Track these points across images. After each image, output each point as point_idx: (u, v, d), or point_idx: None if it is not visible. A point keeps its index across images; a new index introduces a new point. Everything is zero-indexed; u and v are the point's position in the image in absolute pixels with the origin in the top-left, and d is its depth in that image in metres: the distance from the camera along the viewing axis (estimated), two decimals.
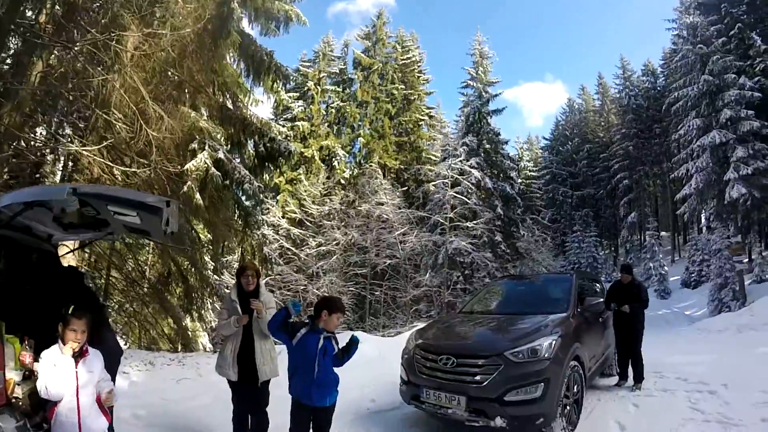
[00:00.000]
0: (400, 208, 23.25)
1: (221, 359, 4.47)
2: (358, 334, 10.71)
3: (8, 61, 8.78)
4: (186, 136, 9.45)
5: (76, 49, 7.83)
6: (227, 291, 5.98)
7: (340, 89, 30.50)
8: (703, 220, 32.86)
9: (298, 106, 28.27)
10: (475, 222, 22.34)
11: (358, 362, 7.48)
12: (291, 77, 12.33)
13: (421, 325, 18.79)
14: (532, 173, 48.93)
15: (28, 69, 8.38)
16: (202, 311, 11.96)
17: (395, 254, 22.07)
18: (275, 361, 4.53)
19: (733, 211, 22.68)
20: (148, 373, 7.15)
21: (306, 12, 12.68)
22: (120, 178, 8.96)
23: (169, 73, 9.38)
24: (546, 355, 4.80)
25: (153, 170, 8.65)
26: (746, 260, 24.44)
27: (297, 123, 27.40)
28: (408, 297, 21.70)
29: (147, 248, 13.27)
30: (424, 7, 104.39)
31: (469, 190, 23.09)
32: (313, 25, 47.39)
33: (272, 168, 12.72)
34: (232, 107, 11.44)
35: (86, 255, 11.10)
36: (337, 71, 31.43)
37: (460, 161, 23.67)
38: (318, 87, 29.23)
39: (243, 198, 11.78)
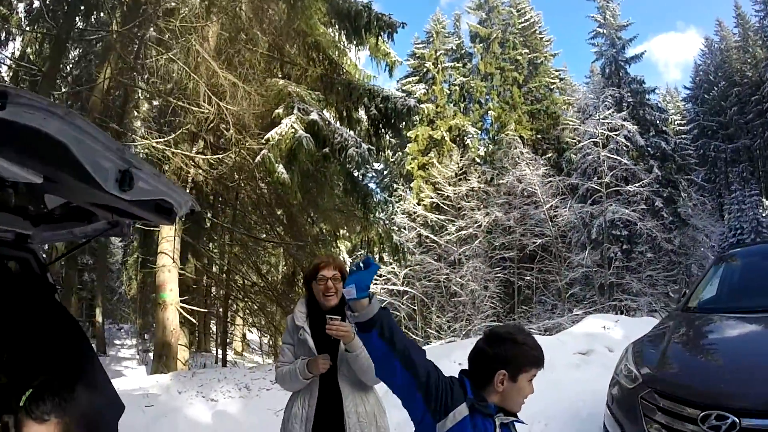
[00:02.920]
0: (547, 178, 21.04)
1: (285, 428, 2.53)
2: None
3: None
4: (273, 107, 8.24)
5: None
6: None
7: (460, 65, 29.16)
8: None
9: (420, 89, 27.29)
10: (637, 185, 19.93)
11: None
12: (397, 26, 10.01)
13: (581, 313, 17.03)
14: (681, 127, 43.87)
15: (98, 70, 8.20)
16: None
17: (545, 232, 20.36)
18: None
19: None
20: (242, 402, 6.14)
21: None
22: (203, 171, 8.54)
23: (243, 36, 8.47)
24: None
25: (237, 153, 8.02)
26: None
27: (421, 106, 26.61)
28: (563, 281, 19.89)
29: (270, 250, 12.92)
30: None
31: (625, 148, 20.73)
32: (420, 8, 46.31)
33: (390, 133, 11.05)
34: (332, 74, 10.19)
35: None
36: (454, 47, 30.09)
37: (610, 114, 21.23)
38: (437, 66, 28.07)
39: (355, 172, 10.17)
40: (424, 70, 28.04)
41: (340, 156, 8.77)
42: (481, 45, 29.06)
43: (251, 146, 7.97)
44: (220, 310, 12.83)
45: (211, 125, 8.40)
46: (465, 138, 25.98)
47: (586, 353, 7.35)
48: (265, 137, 7.84)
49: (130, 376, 10.65)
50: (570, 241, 21.26)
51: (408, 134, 25.70)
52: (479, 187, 22.33)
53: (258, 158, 7.79)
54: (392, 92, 10.60)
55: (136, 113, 12.41)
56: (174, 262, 8.82)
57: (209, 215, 10.74)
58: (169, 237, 8.87)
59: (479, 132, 27.22)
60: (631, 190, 19.87)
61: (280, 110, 8.09)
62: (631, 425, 3.19)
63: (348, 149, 8.59)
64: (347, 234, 11.68)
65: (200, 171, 8.60)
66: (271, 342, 12.54)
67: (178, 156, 7.96)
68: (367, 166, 9.74)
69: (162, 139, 7.93)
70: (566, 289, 20.03)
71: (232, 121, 7.84)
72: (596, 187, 20.26)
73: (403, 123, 10.57)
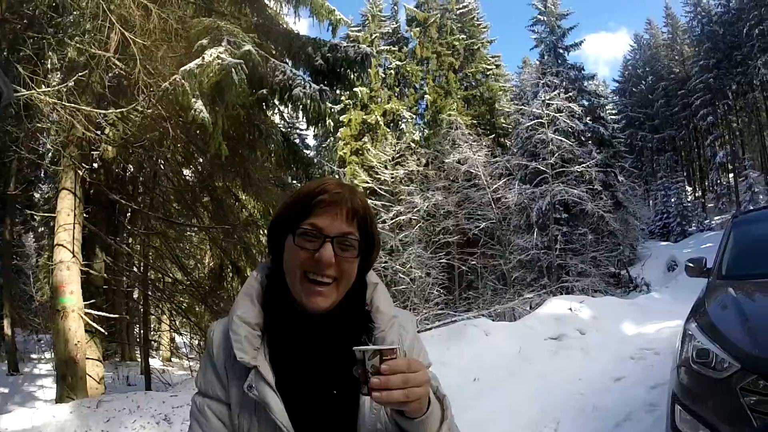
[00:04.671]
0: (494, 156, 20.32)
1: None
2: (476, 322, 7.98)
3: None
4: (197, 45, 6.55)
5: None
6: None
7: (396, 49, 28.28)
8: None
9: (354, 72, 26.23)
10: (583, 166, 19.61)
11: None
12: None
13: (532, 296, 16.53)
14: (612, 116, 45.47)
15: None
16: None
17: (487, 215, 19.63)
18: None
19: None
20: None
21: None
22: (111, 138, 6.86)
23: None
24: None
25: (148, 102, 6.20)
26: None
27: (355, 90, 25.48)
28: (509, 265, 19.17)
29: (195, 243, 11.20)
30: None
31: (570, 130, 20.38)
32: None
33: (340, 88, 9.42)
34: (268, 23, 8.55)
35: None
36: (390, 31, 29.21)
37: (556, 95, 20.86)
38: (372, 49, 27.08)
39: (296, 138, 8.86)
40: None
41: (283, 97, 7.22)
42: (418, 29, 28.41)
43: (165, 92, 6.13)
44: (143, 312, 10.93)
45: (116, 69, 6.52)
46: (400, 122, 25.15)
47: (557, 338, 7.11)
48: (182, 69, 6.11)
49: (42, 400, 8.56)
50: (512, 223, 20.64)
51: (341, 118, 24.47)
52: (418, 171, 21.29)
53: (166, 84, 5.95)
54: (341, 42, 9.15)
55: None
56: (74, 256, 6.80)
57: (119, 197, 8.64)
58: (67, 225, 6.74)
59: (414, 116, 26.45)
60: (576, 170, 19.53)
61: (204, 41, 6.41)
62: (732, 426, 2.45)
63: (293, 89, 7.05)
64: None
65: (108, 147, 6.82)
66: (201, 345, 10.89)
67: (80, 121, 6.00)
68: (318, 115, 7.70)
69: (49, 89, 5.97)
70: (510, 273, 19.29)
71: (140, 57, 6.03)
72: (542, 168, 19.73)
73: (355, 74, 9.06)
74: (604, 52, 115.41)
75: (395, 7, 30.31)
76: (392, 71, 27.55)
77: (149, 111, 6.44)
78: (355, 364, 0.86)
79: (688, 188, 43.50)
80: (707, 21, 39.94)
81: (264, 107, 7.86)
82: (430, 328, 10.62)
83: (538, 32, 26.55)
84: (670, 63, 45.68)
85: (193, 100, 5.94)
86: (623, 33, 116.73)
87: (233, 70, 6.00)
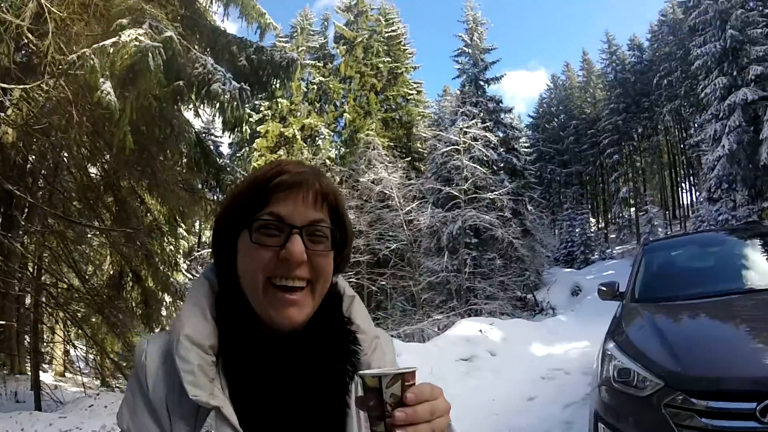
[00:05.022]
0: (409, 179, 20.26)
1: None
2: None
3: None
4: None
5: None
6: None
7: (321, 64, 28.06)
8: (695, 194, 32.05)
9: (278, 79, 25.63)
10: (496, 193, 19.96)
11: None
12: None
13: (441, 317, 16.60)
14: (524, 149, 47.76)
15: None
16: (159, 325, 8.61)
17: (399, 236, 19.48)
18: None
19: (764, 172, 20.97)
20: None
21: None
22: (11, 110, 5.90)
23: None
24: None
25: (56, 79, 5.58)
26: None
27: (276, 100, 24.92)
28: (418, 286, 19.02)
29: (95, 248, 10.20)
30: None
31: (485, 158, 20.81)
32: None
33: (261, 93, 9.07)
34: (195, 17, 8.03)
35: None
36: (317, 46, 29.08)
37: (474, 123, 21.23)
38: (299, 58, 26.69)
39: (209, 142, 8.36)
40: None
41: (200, 93, 6.61)
42: (345, 47, 28.43)
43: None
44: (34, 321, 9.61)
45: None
46: (317, 138, 24.80)
47: (469, 359, 7.10)
48: (94, 45, 5.43)
49: None
50: (423, 246, 20.68)
51: (258, 128, 23.82)
52: None
53: (74, 57, 5.24)
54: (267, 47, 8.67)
55: None
56: None
57: (16, 189, 7.50)
58: None
59: (332, 134, 26.17)
60: (488, 197, 19.89)
61: (124, 21, 5.75)
62: None
63: (212, 84, 6.48)
64: (191, 222, 9.35)
65: (9, 130, 5.88)
66: (97, 360, 9.71)
67: None
68: (236, 119, 7.03)
69: None
70: (420, 294, 19.23)
71: (54, 30, 5.28)
72: (455, 193, 19.92)
73: (279, 81, 8.53)
74: (522, 90, 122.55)
75: (325, 23, 30.35)
76: (315, 86, 27.34)
77: (55, 92, 5.76)
78: (339, 394, 0.77)
79: (592, 220, 46.26)
80: (621, 69, 43.24)
81: (179, 102, 7.25)
82: None
83: (461, 63, 27.21)
84: (583, 104, 48.96)
85: (102, 80, 5.27)
86: (542, 73, 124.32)
87: (150, 54, 5.44)
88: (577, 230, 36.76)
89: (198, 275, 0.87)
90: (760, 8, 22.34)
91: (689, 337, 3.09)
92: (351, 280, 19.00)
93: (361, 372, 0.68)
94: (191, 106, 7.53)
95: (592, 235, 38.96)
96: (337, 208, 0.84)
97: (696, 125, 27.95)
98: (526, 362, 7.16)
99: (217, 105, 6.82)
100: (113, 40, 5.41)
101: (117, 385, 8.49)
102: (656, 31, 40.92)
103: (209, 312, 0.78)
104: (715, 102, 22.54)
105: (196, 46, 7.43)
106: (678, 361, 2.70)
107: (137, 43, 5.40)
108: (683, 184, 45.23)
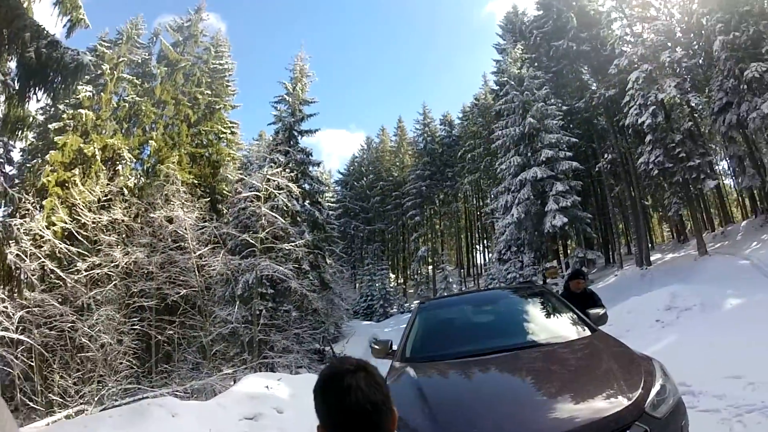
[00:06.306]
0: (200, 223, 19.00)
1: None
2: (162, 401, 7.19)
3: None
4: None
5: None
6: None
7: (138, 81, 25.76)
8: (488, 255, 36.28)
9: (86, 91, 22.77)
10: (293, 245, 19.77)
11: None
12: None
13: (231, 372, 15.47)
14: (330, 204, 49.13)
15: None
16: None
17: (190, 282, 17.83)
18: None
19: (549, 238, 24.60)
20: None
21: None
22: None
23: None
24: (672, 389, 3.01)
25: None
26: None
27: (81, 111, 22.04)
28: (209, 337, 17.58)
29: None
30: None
31: (285, 208, 20.77)
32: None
33: (45, 92, 7.59)
34: None
35: None
36: (140, 61, 26.76)
37: (279, 172, 21.00)
38: (114, 73, 24.12)
39: None
40: (99, 71, 23.63)
41: None
42: (167, 69, 26.62)
43: None
44: None
45: None
46: (118, 163, 22.37)
47: (253, 418, 6.63)
48: None
49: None
50: (216, 294, 19.62)
51: (56, 139, 20.88)
52: (123, 221, 18.76)
53: None
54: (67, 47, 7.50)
55: None
56: None
57: None
58: None
59: (135, 160, 23.92)
60: (285, 248, 19.62)
61: None
62: None
63: None
64: None
65: None
66: None
67: None
68: (18, 120, 6.33)
69: None
70: (211, 346, 17.89)
71: None
72: (251, 241, 19.40)
73: (64, 85, 7.41)
74: (340, 149, 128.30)
75: (154, 38, 28.20)
76: (126, 104, 24.81)
77: None
78: None
79: (392, 275, 49.52)
80: (431, 140, 48.25)
81: None
82: (113, 406, 8.86)
83: (279, 110, 27.49)
84: (392, 167, 53.03)
85: None
86: (362, 134, 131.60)
87: None
88: (377, 284, 38.79)
89: None
90: (559, 104, 26.99)
91: (451, 401, 3.08)
92: (135, 328, 16.95)
93: None
94: None
95: (392, 289, 41.58)
96: None
97: (492, 195, 31.28)
98: (314, 419, 6.94)
99: None
100: None
101: None
102: (467, 112, 46.43)
103: None
104: (509, 177, 26.28)
105: None
106: (437, 424, 2.69)
107: None
108: (478, 246, 51.20)
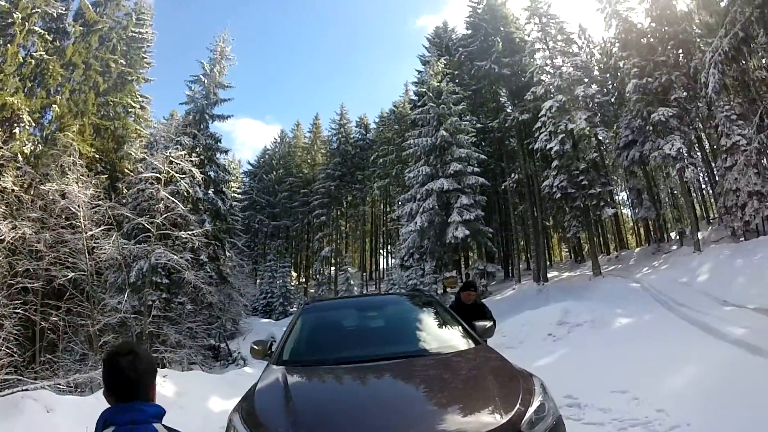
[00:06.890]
0: (100, 199, 17.75)
1: None
2: (37, 395, 6.53)
3: None
4: None
5: None
6: None
7: (50, 38, 23.41)
8: (391, 260, 37.17)
9: None
10: (190, 233, 19.13)
11: None
12: None
13: None
14: (235, 195, 47.72)
15: None
16: None
17: (79, 264, 16.76)
18: None
19: (450, 249, 25.73)
20: None
21: None
22: None
23: None
24: (551, 407, 2.91)
25: None
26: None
27: None
28: (96, 326, 16.48)
29: None
30: None
31: (187, 194, 20.22)
32: None
33: None
34: None
35: None
36: (55, 15, 24.35)
37: (183, 155, 20.28)
38: (25, 24, 21.69)
39: None
40: (10, 20, 21.31)
41: None
42: (82, 29, 24.63)
43: None
44: None
45: None
46: (16, 124, 20.19)
47: None
48: None
49: None
50: (107, 281, 18.62)
51: None
52: (13, 191, 17.18)
53: None
54: None
55: None
56: None
57: None
58: None
59: (34, 124, 21.70)
60: (182, 237, 19.02)
61: None
62: None
63: None
64: None
65: None
66: None
67: None
68: None
69: None
70: (98, 336, 16.75)
71: None
72: (147, 225, 18.56)
73: None
74: (253, 139, 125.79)
75: None
76: (33, 61, 22.42)
77: None
78: None
79: (294, 273, 49.22)
80: (345, 141, 48.24)
81: None
82: None
83: (193, 91, 26.87)
84: (303, 164, 52.60)
85: None
86: (277, 127, 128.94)
87: None
88: (278, 282, 38.62)
89: None
90: (474, 121, 28.35)
91: (318, 408, 3.00)
92: (18, 312, 15.47)
93: None
94: None
95: (293, 288, 41.52)
96: None
97: (398, 202, 32.11)
98: (200, 419, 6.68)
99: None
100: None
101: None
102: (385, 117, 47.08)
103: None
104: (416, 185, 27.16)
105: None
106: (297, 427, 2.66)
107: None
108: (382, 251, 52.06)
